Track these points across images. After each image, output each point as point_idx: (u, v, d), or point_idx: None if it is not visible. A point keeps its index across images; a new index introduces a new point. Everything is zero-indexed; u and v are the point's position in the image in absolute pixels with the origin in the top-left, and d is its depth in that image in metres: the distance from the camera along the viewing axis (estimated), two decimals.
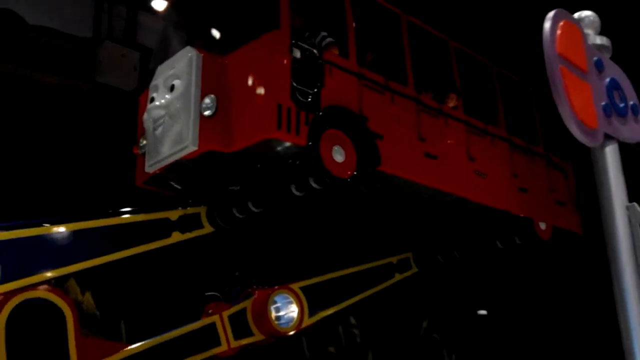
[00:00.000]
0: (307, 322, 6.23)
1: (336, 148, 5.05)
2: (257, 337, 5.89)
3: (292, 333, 6.12)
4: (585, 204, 7.74)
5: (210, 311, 5.93)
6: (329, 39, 5.44)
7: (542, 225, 6.91)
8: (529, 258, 8.84)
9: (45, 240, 5.17)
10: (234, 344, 5.77)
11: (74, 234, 5.29)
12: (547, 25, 3.20)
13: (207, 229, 5.83)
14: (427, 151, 5.76)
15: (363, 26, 5.69)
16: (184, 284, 7.87)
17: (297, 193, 5.20)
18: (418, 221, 6.86)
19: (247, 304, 5.97)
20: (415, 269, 7.54)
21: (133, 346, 5.28)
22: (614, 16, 3.96)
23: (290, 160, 5.00)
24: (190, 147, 4.78)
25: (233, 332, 5.79)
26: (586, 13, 3.52)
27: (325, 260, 7.39)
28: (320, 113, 4.95)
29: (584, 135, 3.21)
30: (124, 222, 5.58)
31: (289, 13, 5.05)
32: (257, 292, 6.09)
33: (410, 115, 5.77)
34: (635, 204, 3.34)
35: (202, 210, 5.84)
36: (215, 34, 5.73)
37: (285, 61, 4.85)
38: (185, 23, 6.04)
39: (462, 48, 6.76)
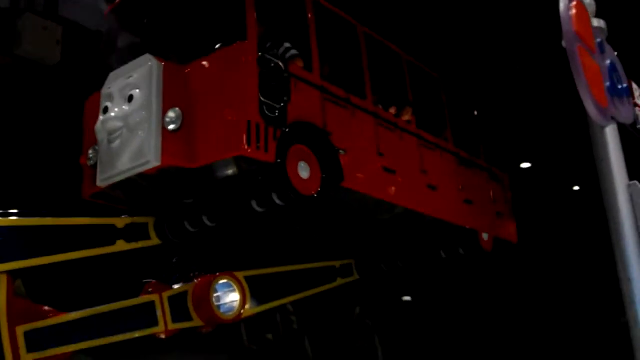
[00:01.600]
0: (248, 312, 6.05)
1: (302, 164, 4.95)
2: (196, 322, 5.66)
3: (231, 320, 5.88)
4: (519, 213, 8.11)
5: (150, 289, 5.65)
6: (293, 51, 5.29)
7: (485, 236, 7.16)
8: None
9: None
10: (172, 326, 5.49)
11: (9, 230, 4.89)
12: (562, 4, 3.24)
13: (154, 240, 5.55)
14: (385, 165, 5.78)
15: (323, 38, 5.59)
16: (120, 272, 7.48)
17: (259, 209, 5.06)
18: (365, 230, 6.89)
19: (188, 287, 5.72)
20: (356, 276, 7.57)
21: (67, 314, 5.03)
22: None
23: (253, 176, 4.85)
24: (153, 162, 4.50)
25: (172, 314, 5.54)
26: None
27: (268, 257, 7.27)
28: (287, 129, 4.83)
29: (598, 114, 3.22)
30: (66, 224, 5.20)
31: (256, 23, 4.87)
32: (199, 277, 5.84)
33: (370, 129, 5.76)
34: (636, 182, 3.34)
35: (149, 220, 5.54)
36: (173, 39, 5.41)
37: (254, 75, 4.66)
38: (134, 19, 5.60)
39: (412, 60, 6.82)
